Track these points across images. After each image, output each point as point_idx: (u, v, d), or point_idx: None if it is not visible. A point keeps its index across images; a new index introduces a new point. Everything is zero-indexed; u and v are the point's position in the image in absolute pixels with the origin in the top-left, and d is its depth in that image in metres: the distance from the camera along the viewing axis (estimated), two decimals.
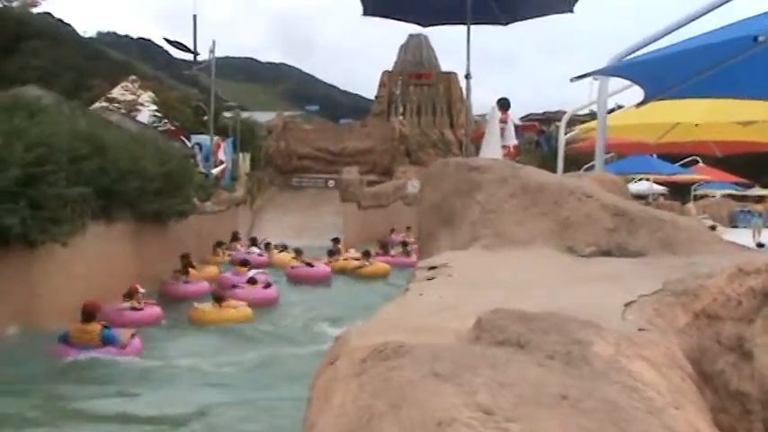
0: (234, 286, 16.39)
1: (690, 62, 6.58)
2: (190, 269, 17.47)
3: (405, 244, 25.28)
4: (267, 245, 24.96)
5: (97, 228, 14.80)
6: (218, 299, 14.83)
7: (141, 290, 14.09)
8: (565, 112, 20.12)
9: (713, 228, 12.76)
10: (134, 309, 13.67)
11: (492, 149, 10.42)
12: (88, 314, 11.25)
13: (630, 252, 3.53)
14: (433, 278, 2.87)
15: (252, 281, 16.62)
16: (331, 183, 33.96)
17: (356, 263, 21.74)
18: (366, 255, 22.25)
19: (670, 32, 8.11)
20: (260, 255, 23.17)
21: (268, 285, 16.99)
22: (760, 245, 11.73)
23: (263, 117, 50.23)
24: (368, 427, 1.20)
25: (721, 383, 2.25)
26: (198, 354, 12.08)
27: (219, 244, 23.23)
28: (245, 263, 18.54)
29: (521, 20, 11.65)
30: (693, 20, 7.74)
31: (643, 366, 1.51)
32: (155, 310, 14.22)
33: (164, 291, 16.43)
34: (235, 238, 25.33)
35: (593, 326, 1.61)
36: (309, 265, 20.31)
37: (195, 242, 21.08)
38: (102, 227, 15.16)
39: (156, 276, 16.74)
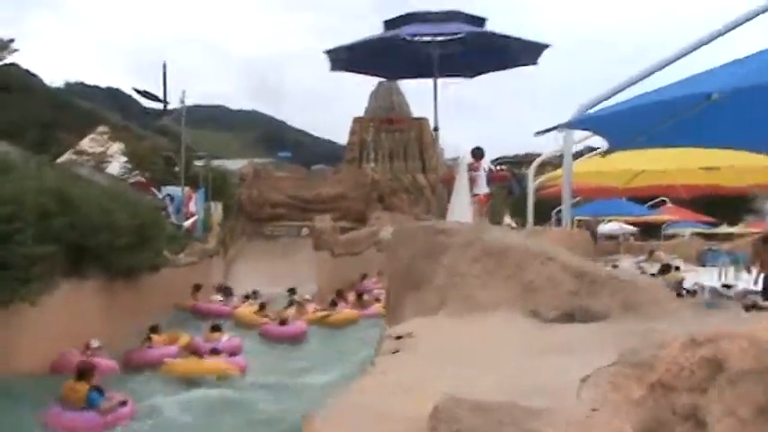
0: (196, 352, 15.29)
1: (650, 115, 6.82)
2: (154, 336, 16.13)
3: (360, 295, 24.53)
4: (254, 292, 24.98)
5: (68, 285, 14.65)
6: (195, 353, 14.62)
7: (95, 344, 14.03)
8: (535, 155, 20.36)
9: (677, 268, 13.01)
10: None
11: (461, 205, 10.53)
12: (80, 373, 10.74)
13: (593, 314, 3.64)
14: (397, 350, 2.93)
15: (215, 351, 15.31)
16: (304, 231, 33.91)
17: (322, 313, 21.15)
18: (333, 304, 21.98)
19: (630, 85, 8.39)
20: (223, 305, 22.32)
21: (233, 353, 15.68)
22: (726, 286, 11.89)
23: (235, 165, 50.30)
24: None
25: None
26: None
27: (198, 288, 22.91)
28: (216, 328, 17.18)
29: (485, 73, 11.95)
30: (651, 74, 8.03)
31: None
32: (107, 363, 13.73)
33: (127, 359, 15.10)
34: (221, 289, 25.16)
35: (545, 414, 1.69)
36: (283, 322, 19.17)
37: (168, 295, 20.89)
38: (73, 284, 15.01)
39: (129, 332, 16.55)
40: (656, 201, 27.30)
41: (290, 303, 22.62)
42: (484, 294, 3.76)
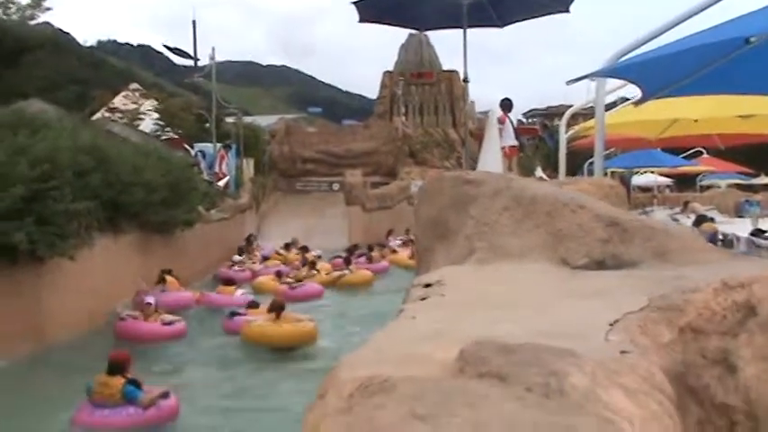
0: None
1: (685, 62, 6.65)
2: (169, 278, 16.29)
3: (370, 248, 24.49)
4: (292, 242, 25.76)
5: (104, 240, 14.93)
6: (277, 309, 13.04)
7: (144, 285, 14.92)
8: (567, 107, 20.08)
9: (712, 219, 12.82)
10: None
11: (491, 157, 10.42)
12: (113, 366, 9.16)
13: (624, 262, 3.59)
14: (426, 297, 2.93)
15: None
16: (335, 186, 34.10)
17: (336, 274, 20.64)
18: (347, 262, 21.55)
19: (664, 32, 8.17)
20: (241, 270, 21.53)
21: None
22: (757, 231, 11.72)
23: (266, 121, 50.39)
24: None
25: (707, 397, 2.32)
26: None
27: (242, 251, 23.31)
28: (230, 281, 16.85)
29: (516, 22, 11.73)
30: (686, 19, 7.80)
31: (618, 395, 1.57)
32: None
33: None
34: (248, 242, 25.55)
35: (572, 355, 1.68)
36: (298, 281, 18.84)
37: (202, 250, 21.21)
38: (109, 239, 15.29)
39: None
40: (692, 151, 26.83)
41: (300, 248, 23.29)
42: (513, 243, 3.74)
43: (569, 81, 7.84)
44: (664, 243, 3.63)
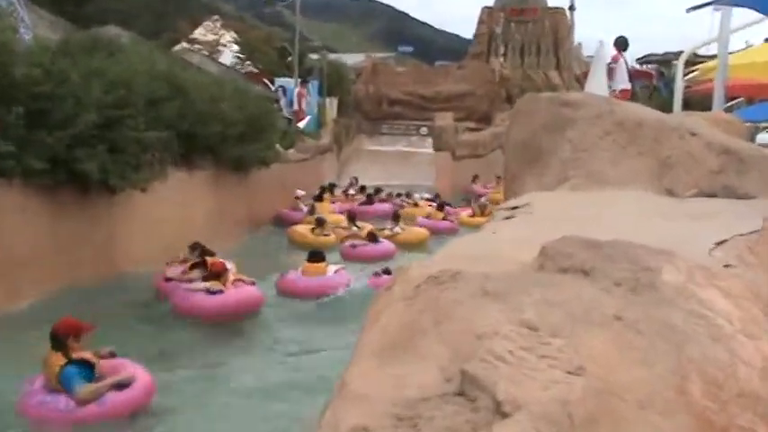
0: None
1: None
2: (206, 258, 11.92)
3: (441, 208, 21.78)
4: (355, 179, 26.23)
5: (178, 174, 15.29)
6: None
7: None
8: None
9: None
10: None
11: (595, 90, 10.12)
12: (53, 338, 7.06)
13: (738, 195, 3.45)
14: (511, 217, 2.90)
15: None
16: (423, 130, 33.92)
17: (389, 231, 18.33)
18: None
19: None
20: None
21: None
22: None
23: (352, 59, 50.43)
24: (411, 341, 1.27)
25: None
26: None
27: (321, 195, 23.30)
28: (318, 256, 13.26)
29: None
30: None
31: (716, 295, 1.51)
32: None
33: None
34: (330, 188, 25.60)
35: (666, 254, 1.62)
36: (371, 239, 16.75)
37: (278, 192, 21.48)
38: (184, 173, 15.67)
39: (236, 225, 17.35)
40: None
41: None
42: (612, 170, 3.64)
43: (689, 9, 7.54)
44: None
